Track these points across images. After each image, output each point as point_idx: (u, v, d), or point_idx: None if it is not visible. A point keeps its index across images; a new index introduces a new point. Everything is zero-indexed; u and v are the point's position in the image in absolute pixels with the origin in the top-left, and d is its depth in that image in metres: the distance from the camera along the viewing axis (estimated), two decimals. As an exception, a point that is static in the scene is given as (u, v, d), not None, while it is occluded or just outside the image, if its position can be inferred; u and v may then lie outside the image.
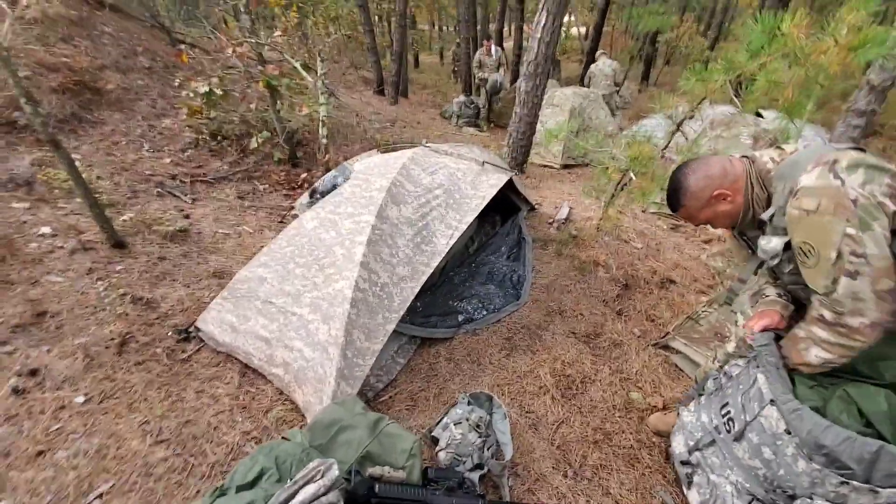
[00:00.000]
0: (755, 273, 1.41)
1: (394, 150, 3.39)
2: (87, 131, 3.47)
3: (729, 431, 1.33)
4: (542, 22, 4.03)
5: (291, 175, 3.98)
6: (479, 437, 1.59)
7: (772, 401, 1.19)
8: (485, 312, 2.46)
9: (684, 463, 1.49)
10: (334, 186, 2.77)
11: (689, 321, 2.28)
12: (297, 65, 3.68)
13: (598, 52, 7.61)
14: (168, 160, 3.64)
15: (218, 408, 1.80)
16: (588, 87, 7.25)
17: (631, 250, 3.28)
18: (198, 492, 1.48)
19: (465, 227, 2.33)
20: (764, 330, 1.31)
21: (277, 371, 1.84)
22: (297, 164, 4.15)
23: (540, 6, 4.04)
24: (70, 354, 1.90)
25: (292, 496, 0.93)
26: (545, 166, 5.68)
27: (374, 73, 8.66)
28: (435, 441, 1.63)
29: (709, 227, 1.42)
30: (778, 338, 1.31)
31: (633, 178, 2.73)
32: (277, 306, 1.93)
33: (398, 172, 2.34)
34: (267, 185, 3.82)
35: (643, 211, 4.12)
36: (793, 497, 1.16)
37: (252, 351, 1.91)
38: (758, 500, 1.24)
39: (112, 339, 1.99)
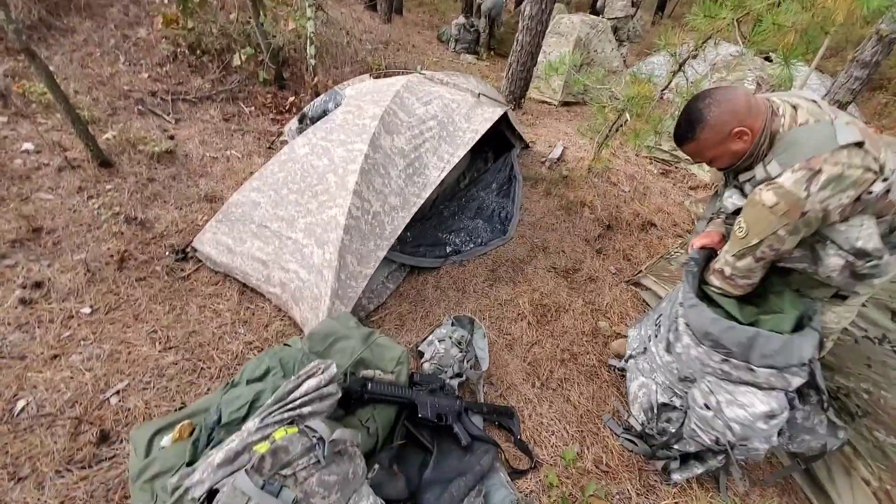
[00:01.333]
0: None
1: (387, 75, 3.24)
2: (58, 40, 3.20)
3: (657, 336, 1.58)
4: (553, -66, 3.65)
5: (278, 98, 3.80)
6: (460, 351, 1.79)
7: (681, 303, 1.43)
8: (472, 245, 2.57)
9: (622, 369, 1.74)
10: (325, 112, 2.70)
11: (661, 261, 2.44)
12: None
13: None
14: (146, 75, 3.43)
15: (220, 321, 1.94)
16: (603, 8, 6.68)
17: (618, 193, 3.36)
18: (208, 390, 1.67)
19: (457, 160, 2.34)
20: (703, 248, 1.52)
21: (275, 290, 1.96)
22: (283, 86, 3.95)
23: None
24: (71, 269, 1.99)
25: (297, 386, 1.08)
26: (544, 102, 5.50)
27: (366, -16, 7.83)
28: (420, 354, 1.82)
29: (705, 166, 1.45)
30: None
31: (629, 118, 2.71)
32: (272, 230, 2.00)
33: (391, 101, 2.29)
34: (253, 108, 3.67)
35: (636, 154, 4.12)
36: (693, 381, 1.44)
37: (249, 271, 2.02)
38: (676, 395, 1.51)
39: (111, 255, 2.06)
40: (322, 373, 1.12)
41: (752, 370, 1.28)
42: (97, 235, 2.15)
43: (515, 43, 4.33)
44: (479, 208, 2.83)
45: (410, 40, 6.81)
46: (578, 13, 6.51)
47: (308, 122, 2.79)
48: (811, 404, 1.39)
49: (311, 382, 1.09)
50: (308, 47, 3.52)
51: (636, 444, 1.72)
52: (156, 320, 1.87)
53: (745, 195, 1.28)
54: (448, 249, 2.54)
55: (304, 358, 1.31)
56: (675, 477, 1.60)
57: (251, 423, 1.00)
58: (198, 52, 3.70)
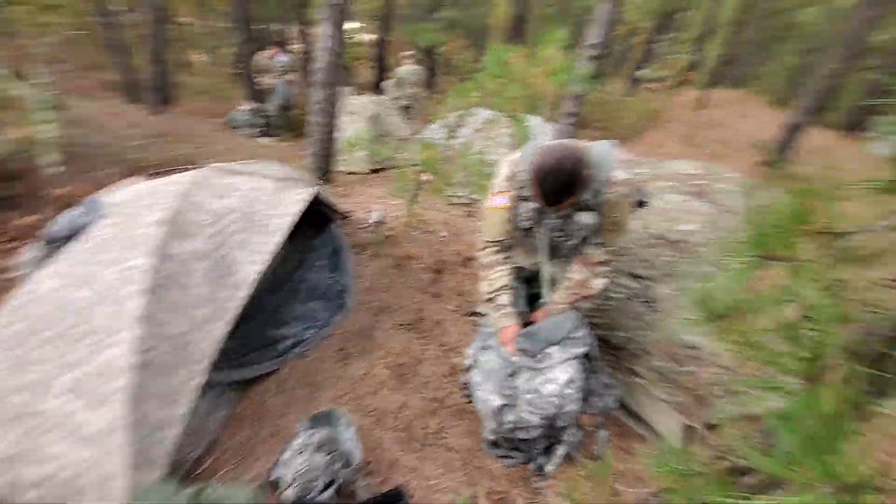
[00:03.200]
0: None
1: (168, 173, 2.86)
2: None
3: (487, 349, 1.90)
4: (327, 32, 4.06)
5: (7, 225, 2.88)
6: (327, 454, 1.59)
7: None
8: (313, 330, 2.40)
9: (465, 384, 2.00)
10: (81, 228, 2.17)
11: (487, 290, 2.79)
12: (2, 72, 2.65)
13: (405, 54, 7.97)
14: None
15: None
16: (397, 88, 7.56)
17: (438, 239, 3.73)
18: None
19: (274, 248, 2.20)
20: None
21: (31, 495, 1.37)
22: (12, 207, 3.02)
23: (323, 17, 4.06)
24: None
25: None
26: (353, 173, 5.78)
27: (122, 75, 6.96)
28: (275, 484, 1.53)
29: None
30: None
31: (426, 177, 3.12)
32: (12, 408, 1.42)
33: (178, 201, 2.02)
34: (-42, 242, 2.67)
35: (443, 203, 4.70)
36: (514, 374, 1.80)
37: (-22, 481, 1.36)
38: (505, 395, 1.77)
39: None
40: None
41: (549, 355, 1.74)
42: None
43: (311, 125, 4.49)
44: (310, 290, 2.69)
45: (193, 130, 6.26)
46: (364, 94, 7.28)
47: (56, 245, 2.18)
48: (591, 372, 1.83)
49: None
50: (50, 154, 2.82)
51: (514, 458, 1.82)
52: None
53: (587, 209, 1.61)
54: (288, 343, 2.30)
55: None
56: (548, 468, 1.76)
57: None
58: None
